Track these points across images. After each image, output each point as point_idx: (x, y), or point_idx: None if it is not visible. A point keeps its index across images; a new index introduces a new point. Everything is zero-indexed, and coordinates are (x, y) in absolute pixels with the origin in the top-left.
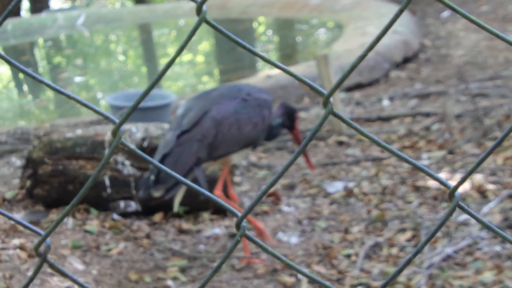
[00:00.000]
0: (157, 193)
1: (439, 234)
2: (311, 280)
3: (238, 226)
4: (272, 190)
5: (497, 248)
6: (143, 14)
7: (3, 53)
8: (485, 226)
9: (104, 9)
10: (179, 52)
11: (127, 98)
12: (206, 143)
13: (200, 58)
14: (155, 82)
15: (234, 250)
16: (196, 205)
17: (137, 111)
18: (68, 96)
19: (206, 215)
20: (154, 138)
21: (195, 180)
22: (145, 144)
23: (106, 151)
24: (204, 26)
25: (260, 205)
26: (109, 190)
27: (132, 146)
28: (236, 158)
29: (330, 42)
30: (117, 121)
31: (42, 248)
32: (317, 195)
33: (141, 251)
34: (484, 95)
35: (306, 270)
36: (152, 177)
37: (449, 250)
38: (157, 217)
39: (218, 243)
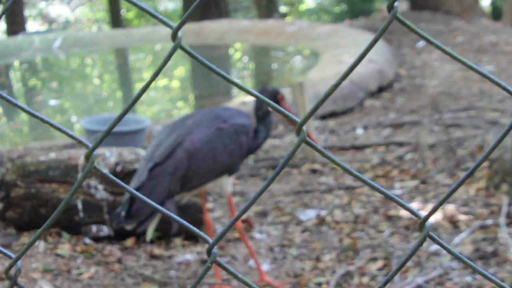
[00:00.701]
0: (129, 226)
1: (410, 263)
2: None
3: (209, 252)
4: (244, 217)
5: (468, 278)
6: (120, 38)
7: None
8: (455, 257)
9: (80, 32)
10: (154, 77)
11: (102, 122)
12: (179, 175)
13: (175, 83)
14: (130, 106)
15: (205, 276)
16: (168, 231)
17: (111, 135)
18: (42, 120)
19: (178, 240)
20: (128, 163)
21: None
22: (119, 168)
23: (79, 175)
24: (179, 51)
25: (232, 232)
26: (81, 214)
27: (105, 171)
28: (212, 186)
29: (306, 70)
30: (90, 145)
31: (12, 271)
32: (290, 223)
33: (112, 276)
34: (458, 126)
35: None
36: (123, 213)
37: (420, 280)
38: (129, 242)
39: (189, 269)
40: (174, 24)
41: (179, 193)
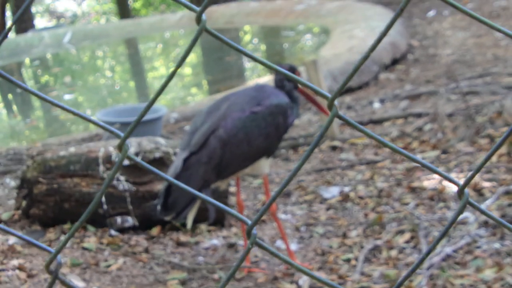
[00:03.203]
0: (167, 218)
1: (438, 234)
2: (326, 284)
3: (248, 234)
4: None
5: (496, 245)
6: (129, 28)
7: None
8: (496, 222)
9: (89, 25)
10: (182, 61)
11: (118, 113)
12: (213, 164)
13: (187, 70)
14: (158, 94)
15: (233, 260)
16: (195, 218)
17: (128, 126)
18: (72, 113)
19: (203, 226)
20: (148, 152)
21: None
22: (140, 158)
23: (100, 168)
24: (190, 38)
25: (256, 214)
26: (105, 207)
27: (138, 159)
28: (249, 170)
29: (318, 47)
30: (122, 135)
31: (53, 266)
32: (313, 201)
33: (140, 266)
34: (475, 93)
35: (306, 277)
36: (159, 206)
37: (448, 249)
38: (155, 231)
39: (216, 254)
40: (198, 8)
41: (215, 181)
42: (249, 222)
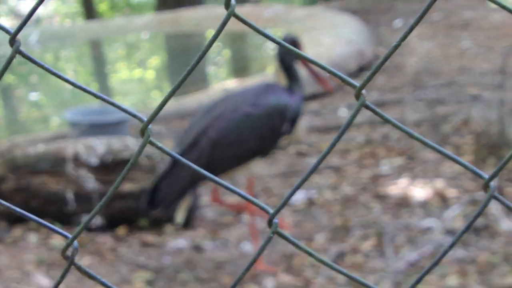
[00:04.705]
0: (156, 212)
1: (402, 239)
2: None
3: (270, 223)
4: (234, 201)
5: (461, 253)
6: (95, 30)
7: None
8: None
9: (56, 26)
10: (208, 48)
11: (86, 113)
12: (202, 164)
13: (150, 74)
14: (177, 87)
15: (200, 261)
16: (159, 217)
17: (96, 127)
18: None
19: (170, 227)
20: (117, 151)
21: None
22: (108, 158)
23: (69, 166)
24: (155, 41)
25: (223, 216)
26: (72, 205)
27: (160, 145)
28: (244, 169)
29: None
30: (144, 119)
31: (69, 252)
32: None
33: (106, 265)
34: (441, 102)
35: (272, 279)
36: (144, 202)
37: (413, 256)
38: (121, 230)
39: (182, 255)
40: None
41: (203, 180)
42: (271, 210)
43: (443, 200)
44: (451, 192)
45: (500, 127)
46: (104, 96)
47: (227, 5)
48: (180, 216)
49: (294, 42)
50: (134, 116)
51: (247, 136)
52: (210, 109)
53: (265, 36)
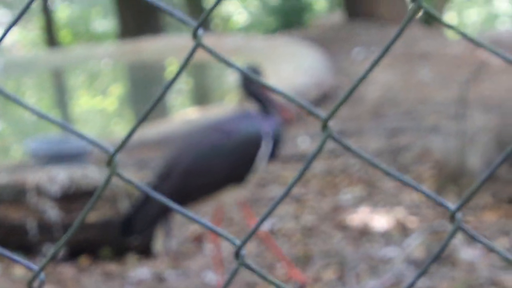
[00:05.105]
0: (130, 239)
1: (363, 268)
2: None
3: (237, 254)
4: (197, 231)
5: (422, 281)
6: (58, 58)
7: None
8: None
9: (19, 55)
10: (175, 78)
11: (46, 142)
12: (175, 193)
13: (112, 103)
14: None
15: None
16: (122, 247)
17: (56, 157)
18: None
19: (132, 256)
20: (79, 181)
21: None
22: (70, 187)
23: (30, 196)
24: (116, 70)
25: (185, 244)
26: (35, 235)
27: (128, 177)
28: (220, 197)
29: None
30: (111, 150)
31: (36, 284)
32: (240, 234)
33: None
34: (400, 131)
35: None
36: (119, 230)
37: (374, 285)
38: (84, 260)
39: (144, 285)
40: (194, 22)
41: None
42: (237, 242)
43: (403, 229)
44: (412, 221)
45: (460, 156)
46: (70, 127)
47: (194, 35)
48: (158, 244)
49: (256, 72)
50: (99, 147)
51: (217, 165)
52: (185, 138)
53: (230, 66)
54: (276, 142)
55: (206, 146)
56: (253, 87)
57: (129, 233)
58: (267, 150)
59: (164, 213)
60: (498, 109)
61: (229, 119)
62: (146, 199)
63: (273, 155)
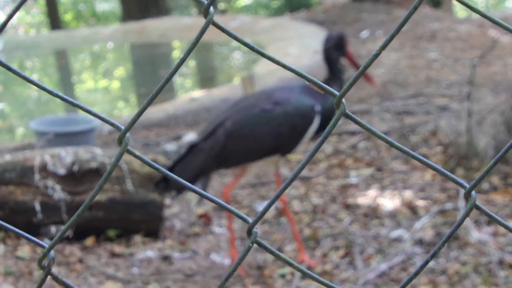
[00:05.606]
0: (170, 195)
1: (372, 250)
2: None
3: (249, 232)
4: (202, 211)
5: (431, 263)
6: (61, 40)
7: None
8: (499, 223)
9: (22, 36)
10: (187, 55)
11: (52, 123)
12: (214, 153)
13: (115, 84)
14: (158, 91)
15: (168, 271)
16: (128, 228)
17: (63, 136)
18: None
19: (138, 237)
20: (84, 161)
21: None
22: (76, 168)
23: (36, 176)
24: (121, 51)
25: (191, 227)
26: (39, 215)
27: (138, 153)
28: (262, 165)
29: (252, 64)
30: (122, 127)
31: (45, 261)
32: (248, 215)
33: (74, 276)
34: (408, 113)
35: None
36: (158, 186)
37: (383, 266)
38: (89, 241)
39: (151, 266)
40: (206, 1)
41: (216, 170)
42: (250, 220)
43: (412, 210)
44: (420, 203)
45: (468, 137)
46: (82, 104)
47: (206, 12)
48: (193, 203)
49: (341, 37)
50: (111, 124)
51: (263, 132)
52: (236, 102)
53: (240, 42)
54: (325, 118)
55: (256, 111)
56: (334, 54)
57: (167, 189)
58: (316, 125)
59: (203, 172)
60: (507, 89)
61: (284, 89)
62: (187, 157)
63: (318, 131)
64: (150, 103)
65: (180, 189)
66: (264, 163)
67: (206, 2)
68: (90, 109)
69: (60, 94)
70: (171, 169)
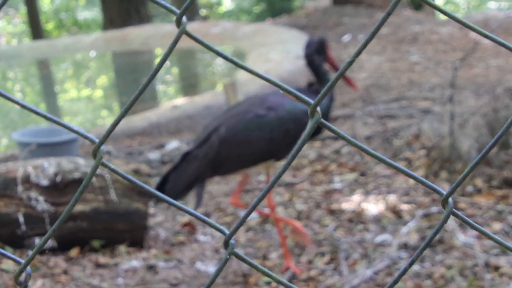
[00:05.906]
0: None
1: (357, 255)
2: None
3: (226, 244)
4: (187, 220)
5: (416, 267)
6: (43, 49)
7: None
8: (483, 234)
9: (4, 45)
10: (160, 66)
11: (35, 134)
12: (208, 160)
13: (98, 93)
14: (133, 102)
15: (153, 281)
16: (112, 238)
17: (46, 147)
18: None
19: (122, 247)
20: (67, 172)
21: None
22: (59, 178)
23: (19, 188)
24: (103, 59)
25: (175, 235)
26: (23, 227)
27: (113, 166)
28: (256, 170)
29: (234, 70)
30: (96, 140)
31: (22, 277)
32: (233, 223)
33: (59, 287)
34: (391, 116)
35: None
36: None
37: (368, 272)
38: (74, 252)
39: (136, 276)
40: (178, 10)
41: (211, 177)
42: (227, 231)
43: (396, 215)
44: (404, 207)
45: (451, 140)
46: (54, 118)
47: (179, 22)
48: (191, 203)
49: (322, 42)
50: (85, 137)
51: (257, 138)
52: (230, 108)
53: (214, 52)
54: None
55: (249, 117)
56: (316, 58)
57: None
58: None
59: (198, 180)
60: (489, 91)
61: (278, 94)
62: (181, 165)
63: (313, 136)
64: (124, 115)
65: (176, 197)
66: (258, 168)
67: (178, 11)
68: (63, 121)
69: (32, 107)
70: (166, 177)
